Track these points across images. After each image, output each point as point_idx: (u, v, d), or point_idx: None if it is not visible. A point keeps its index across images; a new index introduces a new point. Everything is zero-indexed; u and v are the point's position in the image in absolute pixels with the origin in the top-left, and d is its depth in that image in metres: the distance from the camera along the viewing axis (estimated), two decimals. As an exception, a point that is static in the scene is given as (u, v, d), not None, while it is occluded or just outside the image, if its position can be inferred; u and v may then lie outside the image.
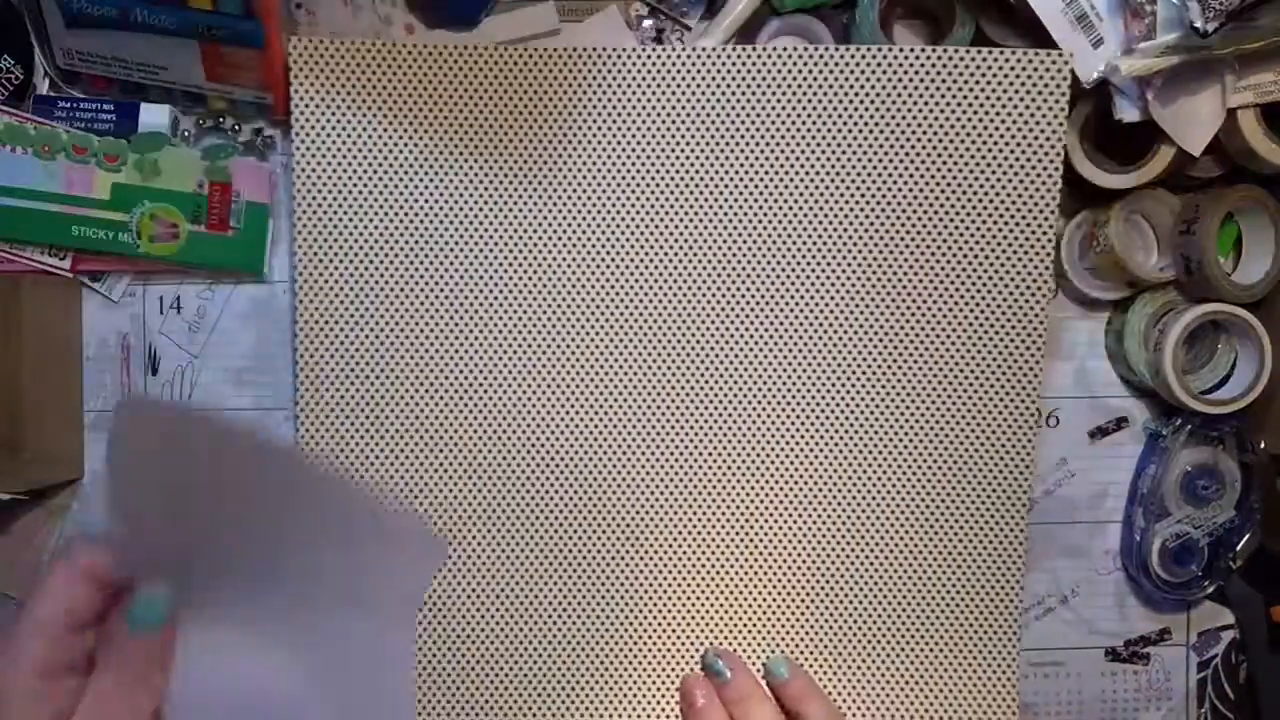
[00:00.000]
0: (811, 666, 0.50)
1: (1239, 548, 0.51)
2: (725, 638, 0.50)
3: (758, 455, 0.49)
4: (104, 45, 0.47)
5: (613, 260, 0.49)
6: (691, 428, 0.49)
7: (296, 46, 0.48)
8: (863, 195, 0.48)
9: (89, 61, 0.48)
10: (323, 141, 0.48)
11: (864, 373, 0.49)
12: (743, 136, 0.48)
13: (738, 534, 0.50)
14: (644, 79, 0.48)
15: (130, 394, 0.48)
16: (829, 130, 0.48)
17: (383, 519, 0.38)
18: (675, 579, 0.50)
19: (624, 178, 0.49)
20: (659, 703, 0.49)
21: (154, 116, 0.49)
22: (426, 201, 0.49)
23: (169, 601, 0.33)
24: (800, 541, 0.50)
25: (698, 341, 0.49)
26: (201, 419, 0.34)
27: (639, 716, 0.50)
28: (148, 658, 0.33)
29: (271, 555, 0.35)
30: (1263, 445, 0.51)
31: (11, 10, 0.48)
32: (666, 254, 0.49)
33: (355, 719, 0.37)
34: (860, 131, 0.48)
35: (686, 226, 0.49)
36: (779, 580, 0.50)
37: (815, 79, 0.48)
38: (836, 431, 0.49)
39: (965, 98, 0.47)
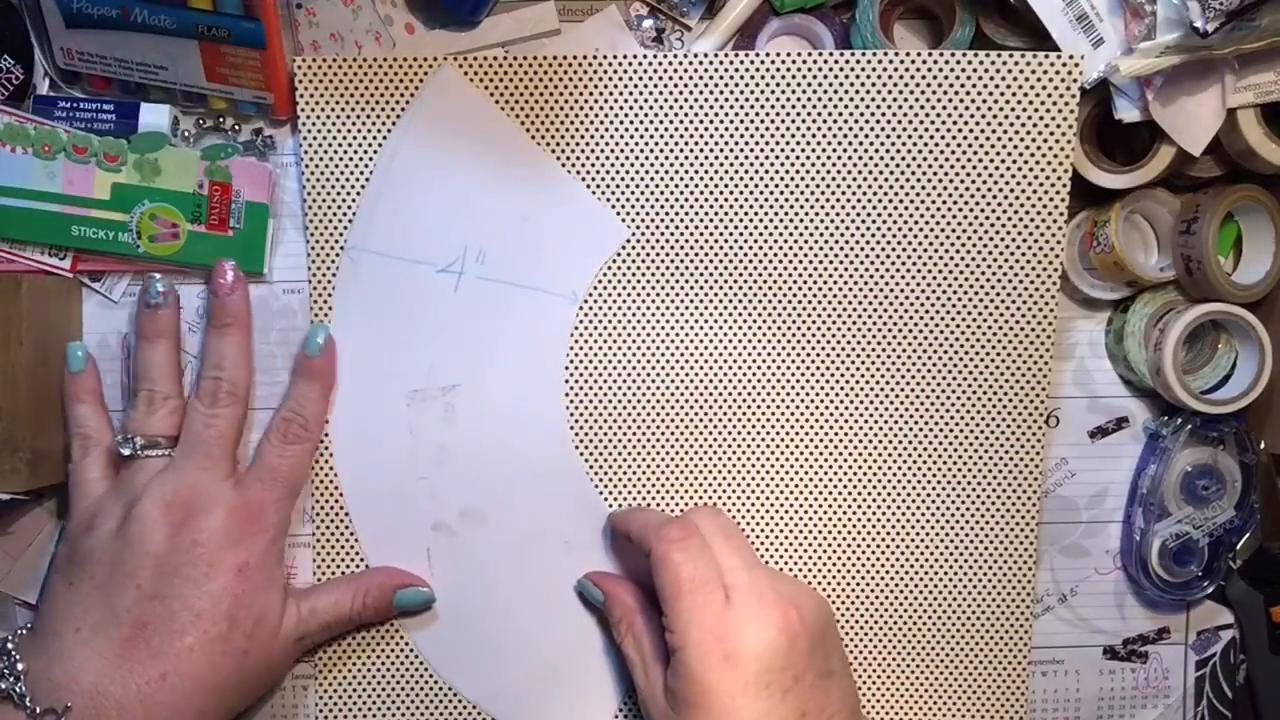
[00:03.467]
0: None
1: (1239, 548, 0.51)
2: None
3: (766, 457, 0.49)
4: (104, 45, 0.47)
5: (616, 264, 0.49)
6: (696, 429, 0.49)
7: (301, 66, 0.48)
8: (873, 199, 0.48)
9: (89, 61, 0.48)
10: (331, 156, 0.49)
11: (872, 375, 0.49)
12: (754, 141, 0.48)
13: (745, 532, 0.50)
14: (647, 85, 0.48)
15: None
16: (839, 135, 0.48)
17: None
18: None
19: (630, 184, 0.49)
20: None
21: (154, 116, 0.49)
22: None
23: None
24: (809, 540, 0.50)
25: (702, 346, 0.49)
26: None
27: None
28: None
29: None
30: (1263, 445, 0.51)
31: (11, 10, 0.48)
32: (670, 257, 0.49)
33: None
34: (871, 135, 0.48)
35: (691, 232, 0.49)
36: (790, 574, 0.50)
37: (816, 84, 0.48)
38: (845, 433, 0.49)
39: (975, 102, 0.47)
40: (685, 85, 0.48)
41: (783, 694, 0.40)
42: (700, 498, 0.50)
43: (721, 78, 0.48)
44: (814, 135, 0.48)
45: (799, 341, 0.49)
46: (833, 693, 0.42)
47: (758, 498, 0.50)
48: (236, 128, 0.50)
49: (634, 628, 0.47)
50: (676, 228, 0.49)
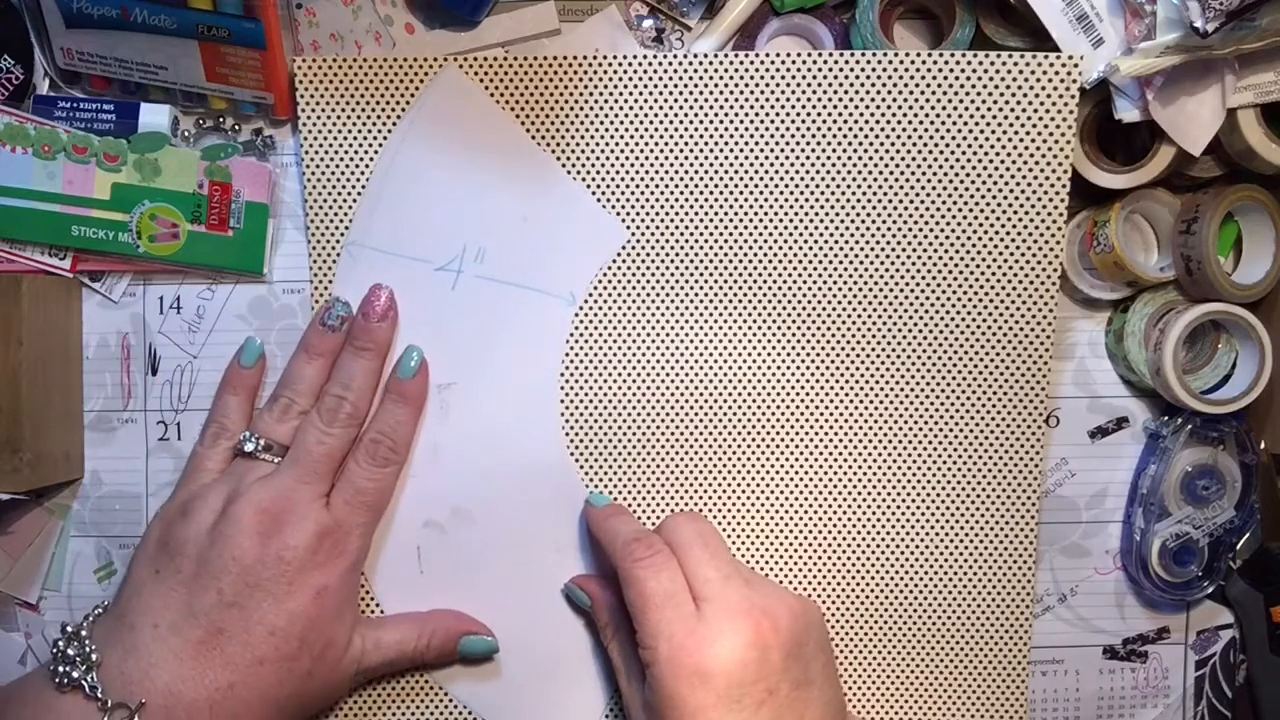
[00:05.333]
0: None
1: (1239, 548, 0.51)
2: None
3: (765, 459, 0.49)
4: (104, 45, 0.47)
5: (615, 265, 0.49)
6: (693, 431, 0.49)
7: (301, 66, 0.48)
8: (872, 199, 0.48)
9: (89, 61, 0.48)
10: (332, 155, 0.49)
11: (871, 375, 0.49)
12: (753, 143, 0.48)
13: (744, 536, 0.50)
14: (647, 86, 0.48)
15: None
16: (839, 135, 0.48)
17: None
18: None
19: (629, 185, 0.49)
20: None
21: (154, 116, 0.49)
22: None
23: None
24: (809, 541, 0.50)
25: (699, 348, 0.49)
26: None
27: None
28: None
29: None
30: (1263, 445, 0.51)
31: (11, 10, 0.48)
32: (669, 259, 0.49)
33: None
34: (871, 136, 0.48)
35: (690, 234, 0.49)
36: (789, 578, 0.50)
37: (817, 85, 0.48)
38: (844, 434, 0.49)
39: (974, 102, 0.47)
40: (686, 86, 0.48)
41: (756, 706, 0.40)
42: (696, 501, 0.50)
43: (721, 78, 0.48)
44: (814, 136, 0.48)
45: (798, 343, 0.49)
46: (811, 703, 0.41)
47: (756, 500, 0.50)
48: (236, 128, 0.50)
49: (619, 633, 0.47)
50: (676, 229, 0.49)
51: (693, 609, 0.42)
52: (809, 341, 0.49)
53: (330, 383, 0.47)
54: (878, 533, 0.50)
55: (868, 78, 0.47)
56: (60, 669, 0.42)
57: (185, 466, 0.49)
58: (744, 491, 0.50)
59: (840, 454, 0.49)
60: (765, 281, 0.49)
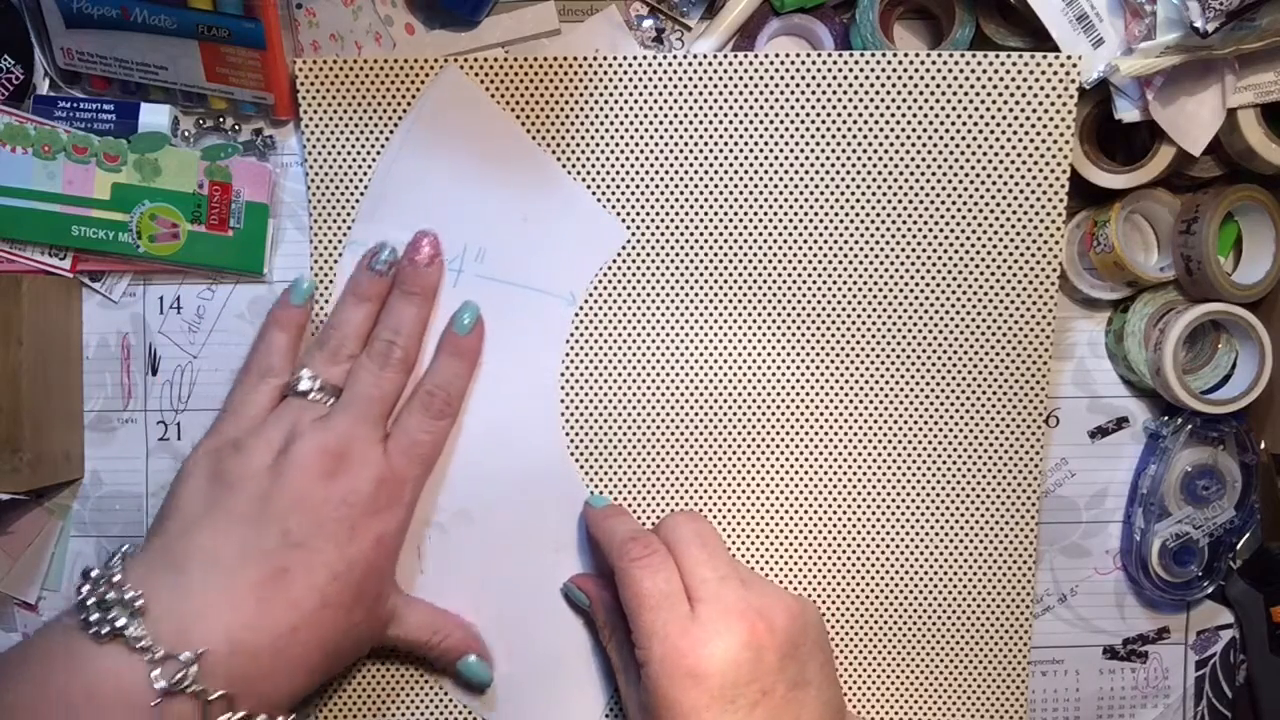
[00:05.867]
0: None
1: (1239, 548, 0.51)
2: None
3: (765, 459, 0.49)
4: (104, 45, 0.47)
5: (615, 265, 0.49)
6: (693, 431, 0.49)
7: (303, 67, 0.48)
8: (871, 200, 0.48)
9: (89, 61, 0.48)
10: (334, 159, 0.49)
11: (871, 375, 0.49)
12: (752, 143, 0.48)
13: (744, 535, 0.50)
14: (647, 86, 0.48)
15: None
16: (838, 136, 0.48)
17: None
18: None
19: (629, 185, 0.49)
20: None
21: (154, 116, 0.49)
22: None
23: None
24: (809, 541, 0.50)
25: (699, 348, 0.49)
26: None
27: None
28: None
29: None
30: (1263, 445, 0.51)
31: (11, 10, 0.48)
32: (669, 259, 0.49)
33: None
34: (869, 137, 0.48)
35: (690, 234, 0.49)
36: (789, 578, 0.50)
37: (816, 85, 0.48)
38: (844, 434, 0.49)
39: (973, 102, 0.47)
40: (685, 86, 0.48)
41: (750, 707, 0.39)
42: (697, 500, 0.50)
43: (720, 79, 0.48)
44: (812, 136, 0.48)
45: (797, 343, 0.49)
46: (808, 704, 0.41)
47: (756, 499, 0.50)
48: (236, 128, 0.50)
49: (618, 633, 0.47)
50: (676, 229, 0.49)
51: (687, 609, 0.41)
52: (809, 341, 0.49)
53: (379, 327, 0.47)
54: (878, 532, 0.50)
55: (866, 78, 0.47)
56: (94, 618, 0.38)
57: (226, 402, 0.47)
58: (744, 491, 0.50)
59: (840, 454, 0.49)
60: (764, 282, 0.49)
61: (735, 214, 0.49)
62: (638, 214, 0.49)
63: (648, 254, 0.49)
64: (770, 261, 0.49)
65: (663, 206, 0.49)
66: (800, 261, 0.49)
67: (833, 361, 0.49)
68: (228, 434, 0.45)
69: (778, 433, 0.49)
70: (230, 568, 0.40)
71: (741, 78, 0.48)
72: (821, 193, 0.48)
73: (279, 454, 0.43)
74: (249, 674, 0.39)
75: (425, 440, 0.46)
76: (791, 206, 0.49)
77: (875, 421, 0.49)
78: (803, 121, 0.48)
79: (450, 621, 0.48)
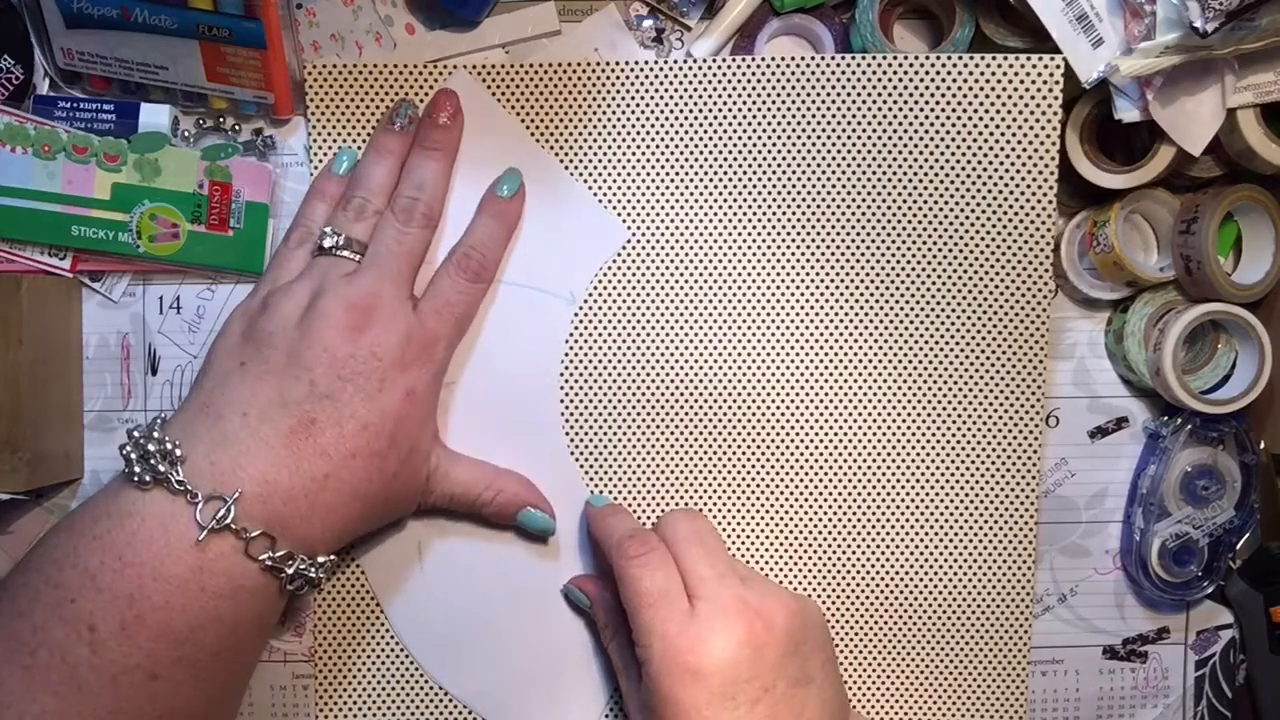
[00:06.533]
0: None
1: (1239, 548, 0.51)
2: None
3: (764, 459, 0.49)
4: (104, 45, 0.47)
5: (614, 265, 0.49)
6: (692, 431, 0.49)
7: (311, 72, 0.48)
8: (867, 201, 0.48)
9: (89, 61, 0.48)
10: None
11: (870, 375, 0.49)
12: (741, 145, 0.48)
13: (744, 534, 0.50)
14: (647, 88, 0.48)
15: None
16: (835, 138, 0.48)
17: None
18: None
19: (629, 187, 0.49)
20: None
21: (154, 116, 0.49)
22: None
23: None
24: (809, 541, 0.50)
25: (698, 348, 0.49)
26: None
27: None
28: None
29: None
30: (1263, 445, 0.51)
31: (11, 10, 0.48)
32: (668, 259, 0.49)
33: None
34: (863, 138, 0.48)
35: (689, 235, 0.49)
36: (788, 576, 0.50)
37: (809, 88, 0.48)
38: (843, 434, 0.49)
39: (960, 103, 0.47)
40: (685, 89, 0.48)
41: (751, 704, 0.40)
42: (697, 500, 0.50)
43: (718, 81, 0.48)
44: (808, 138, 0.48)
45: (797, 344, 0.49)
46: (810, 701, 0.41)
47: (755, 499, 0.50)
48: (237, 128, 0.50)
49: (619, 633, 0.47)
50: (676, 229, 0.49)
51: (686, 607, 0.41)
52: (808, 342, 0.49)
53: (402, 184, 0.47)
54: (877, 532, 0.50)
55: (855, 81, 0.47)
56: (138, 469, 0.40)
57: (266, 268, 0.49)
58: (744, 491, 0.50)
59: (840, 453, 0.49)
60: (763, 282, 0.49)
61: (733, 214, 0.49)
62: (638, 214, 0.49)
63: (648, 254, 0.49)
64: (768, 262, 0.49)
65: (663, 207, 0.49)
66: (798, 262, 0.49)
67: (832, 361, 0.49)
68: (261, 294, 0.46)
69: (777, 433, 0.49)
70: (262, 418, 0.42)
71: (737, 81, 0.48)
72: (819, 194, 0.48)
73: (306, 309, 0.44)
74: (284, 516, 0.41)
75: (458, 300, 0.47)
76: (789, 208, 0.49)
77: (874, 421, 0.49)
78: (797, 124, 0.48)
79: (503, 477, 0.48)
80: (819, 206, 0.48)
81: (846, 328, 0.49)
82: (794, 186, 0.48)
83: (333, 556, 0.43)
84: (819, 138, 0.48)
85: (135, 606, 0.38)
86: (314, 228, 0.47)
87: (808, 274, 0.49)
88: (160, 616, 0.39)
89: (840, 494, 0.50)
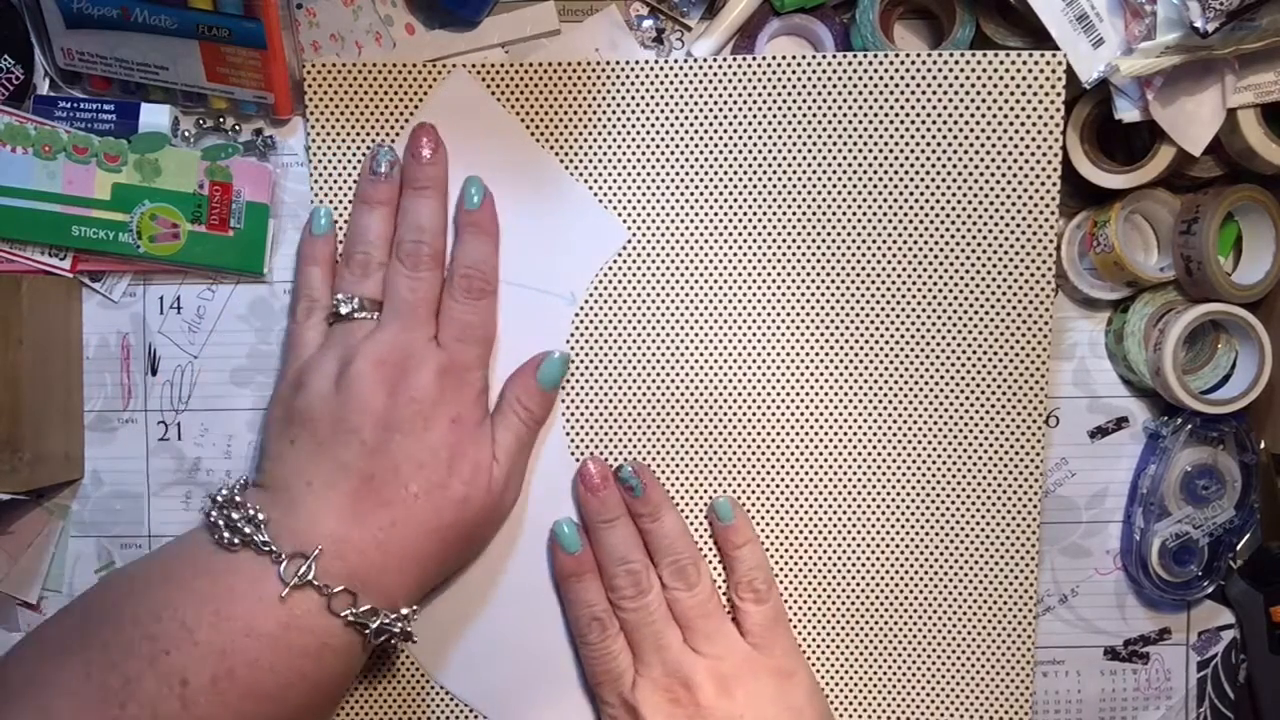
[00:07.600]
0: (822, 662, 0.50)
1: (1239, 548, 0.51)
2: (725, 637, 0.50)
3: (765, 459, 0.49)
4: (104, 45, 0.47)
5: (615, 265, 0.49)
6: (693, 431, 0.49)
7: (311, 71, 0.48)
8: (869, 201, 0.48)
9: (89, 61, 0.48)
10: (339, 163, 0.49)
11: (871, 375, 0.49)
12: (741, 145, 0.48)
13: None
14: (647, 88, 0.48)
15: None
16: (835, 137, 0.48)
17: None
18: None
19: (630, 187, 0.49)
20: None
21: (154, 116, 0.49)
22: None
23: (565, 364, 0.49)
24: (810, 541, 0.50)
25: (699, 348, 0.49)
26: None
27: None
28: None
29: None
30: (1263, 445, 0.51)
31: (11, 10, 0.48)
32: (669, 259, 0.49)
33: None
34: (864, 137, 0.48)
35: (691, 233, 0.49)
36: (789, 578, 0.50)
37: (810, 88, 0.48)
38: (845, 434, 0.49)
39: (962, 101, 0.47)
40: (685, 89, 0.48)
41: None
42: (696, 500, 0.50)
43: (719, 81, 0.48)
44: (808, 137, 0.48)
45: (797, 344, 0.49)
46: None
47: (756, 500, 0.50)
48: (237, 128, 0.50)
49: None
50: (676, 229, 0.49)
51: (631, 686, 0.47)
52: (808, 342, 0.49)
53: (401, 230, 0.47)
54: (879, 532, 0.50)
55: (856, 80, 0.47)
56: (225, 534, 0.41)
57: (283, 347, 0.49)
58: (744, 491, 0.50)
59: (841, 454, 0.49)
60: (763, 282, 0.49)
61: (734, 214, 0.49)
62: (638, 214, 0.49)
63: (648, 254, 0.49)
64: (769, 261, 0.49)
65: (663, 207, 0.49)
66: (799, 262, 0.49)
67: (832, 361, 0.49)
68: (289, 376, 0.46)
69: (778, 433, 0.49)
70: (326, 483, 0.43)
71: (738, 81, 0.48)
72: (820, 194, 0.48)
73: (338, 378, 0.44)
74: (360, 571, 0.42)
75: (474, 321, 0.47)
76: (789, 208, 0.49)
77: (875, 421, 0.49)
78: (798, 123, 0.48)
79: (507, 392, 0.48)
80: (820, 206, 0.48)
81: (847, 327, 0.49)
82: (795, 186, 0.48)
83: (414, 608, 0.44)
84: (819, 137, 0.48)
85: (227, 661, 0.39)
86: (316, 295, 0.48)
87: (808, 274, 0.49)
88: (250, 674, 0.39)
89: (841, 494, 0.50)
